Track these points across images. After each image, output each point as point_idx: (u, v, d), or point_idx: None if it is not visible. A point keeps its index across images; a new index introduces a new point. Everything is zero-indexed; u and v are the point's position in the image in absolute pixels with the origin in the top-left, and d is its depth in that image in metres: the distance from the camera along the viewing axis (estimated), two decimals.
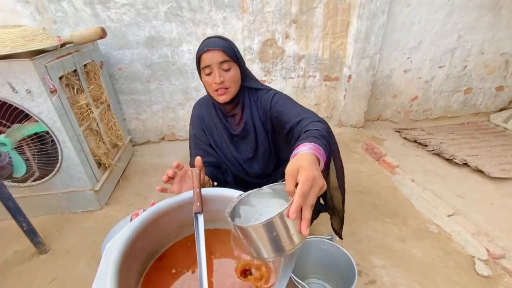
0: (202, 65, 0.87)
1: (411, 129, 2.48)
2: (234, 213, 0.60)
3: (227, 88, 0.88)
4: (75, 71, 1.43)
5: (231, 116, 1.00)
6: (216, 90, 0.88)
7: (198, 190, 0.70)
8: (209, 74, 0.87)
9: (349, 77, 2.14)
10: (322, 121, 0.77)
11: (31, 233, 1.23)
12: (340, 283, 0.97)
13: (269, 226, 0.47)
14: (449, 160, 1.96)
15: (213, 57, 0.84)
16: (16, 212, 1.16)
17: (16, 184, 1.41)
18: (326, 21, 2.01)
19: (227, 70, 0.86)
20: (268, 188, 0.62)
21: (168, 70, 1.99)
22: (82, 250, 1.29)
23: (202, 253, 0.60)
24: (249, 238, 0.50)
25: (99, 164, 1.60)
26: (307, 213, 0.47)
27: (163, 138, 2.30)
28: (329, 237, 0.98)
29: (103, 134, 1.65)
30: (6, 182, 1.36)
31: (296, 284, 0.85)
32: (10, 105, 1.22)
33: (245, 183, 1.07)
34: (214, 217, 0.77)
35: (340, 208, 0.96)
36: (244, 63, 0.93)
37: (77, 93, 1.43)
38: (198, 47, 0.89)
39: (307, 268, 1.03)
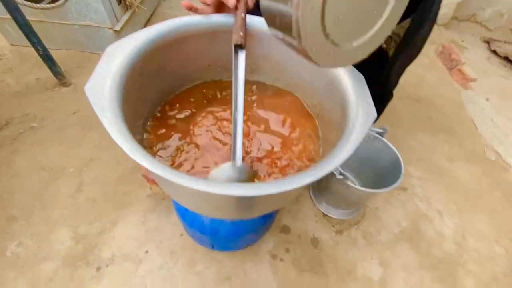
0: None
1: (505, 42, 1.90)
2: None
3: None
4: None
5: None
6: None
7: (243, 15, 0.48)
8: None
9: None
10: None
11: (48, 59, 1.13)
12: (372, 182, 0.86)
13: None
14: None
15: None
16: (26, 29, 1.02)
17: (29, 3, 1.22)
18: None
19: None
20: None
21: None
22: None
23: (239, 101, 0.43)
24: None
25: (120, 0, 1.33)
26: None
27: None
28: (381, 130, 0.80)
29: None
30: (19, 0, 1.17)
31: None
32: None
33: None
34: (254, 64, 0.57)
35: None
36: None
37: None
38: None
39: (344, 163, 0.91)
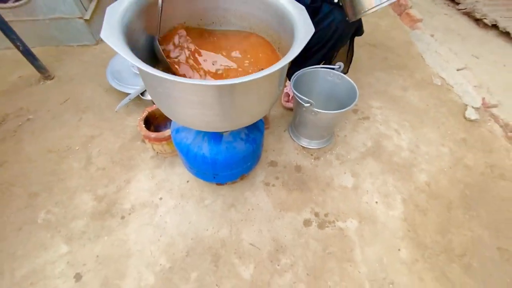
0: None
1: None
2: None
3: None
4: None
5: None
6: None
7: None
8: None
9: None
10: None
11: (29, 55, 1.19)
12: (340, 106, 1.03)
13: None
14: (477, 21, 1.75)
15: None
16: (6, 29, 1.08)
17: None
18: None
19: None
20: None
21: None
22: (87, 78, 1.31)
23: None
24: None
25: None
26: None
27: None
28: (337, 66, 0.96)
29: None
30: None
31: (299, 100, 0.89)
32: None
33: None
34: (223, 18, 0.70)
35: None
36: None
37: None
38: None
39: (312, 91, 1.07)
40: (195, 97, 0.50)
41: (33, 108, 1.19)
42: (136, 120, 1.14)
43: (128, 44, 0.48)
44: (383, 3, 0.71)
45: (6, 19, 1.24)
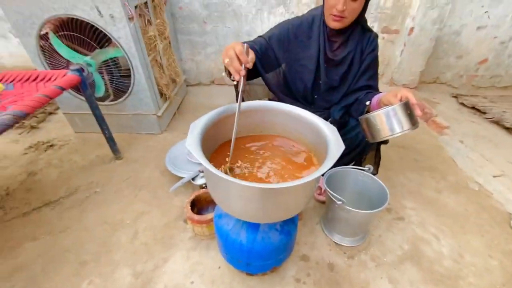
0: None
1: (471, 95, 2.29)
2: None
3: (344, 18, 0.90)
4: (145, 3, 1.56)
5: (333, 42, 1.03)
6: (334, 15, 0.90)
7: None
8: None
9: (411, 29, 1.99)
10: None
11: (111, 140, 1.51)
12: (371, 206, 1.06)
13: (392, 111, 0.78)
14: (508, 129, 1.82)
15: None
16: (101, 121, 1.42)
17: (100, 102, 1.67)
18: None
19: (354, 0, 0.87)
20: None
21: (224, 11, 2.05)
22: (148, 160, 1.56)
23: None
24: (374, 124, 0.82)
25: (161, 94, 1.80)
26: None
27: (213, 82, 2.45)
28: (367, 168, 1.06)
29: (165, 68, 1.83)
30: None
31: (331, 196, 0.97)
32: (93, 32, 1.41)
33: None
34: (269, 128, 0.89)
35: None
36: None
37: (147, 24, 1.58)
38: None
39: (343, 190, 1.14)
40: (242, 194, 0.63)
41: (101, 183, 1.41)
42: (182, 201, 1.28)
43: (202, 147, 0.66)
44: (397, 133, 0.81)
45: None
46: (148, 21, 1.59)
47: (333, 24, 0.94)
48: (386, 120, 0.80)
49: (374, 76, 1.09)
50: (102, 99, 1.70)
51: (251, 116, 0.87)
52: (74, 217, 1.23)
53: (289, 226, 0.88)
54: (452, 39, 2.12)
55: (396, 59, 2.17)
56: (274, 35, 1.03)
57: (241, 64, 0.71)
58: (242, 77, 0.72)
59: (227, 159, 0.78)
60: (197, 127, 0.71)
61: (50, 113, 2.03)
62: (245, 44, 0.75)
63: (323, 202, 1.25)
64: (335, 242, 1.09)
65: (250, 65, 0.73)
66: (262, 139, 0.90)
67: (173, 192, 1.32)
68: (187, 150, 1.43)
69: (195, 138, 0.67)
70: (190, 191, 1.32)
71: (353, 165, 1.14)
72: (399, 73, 2.21)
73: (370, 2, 0.94)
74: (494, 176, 1.37)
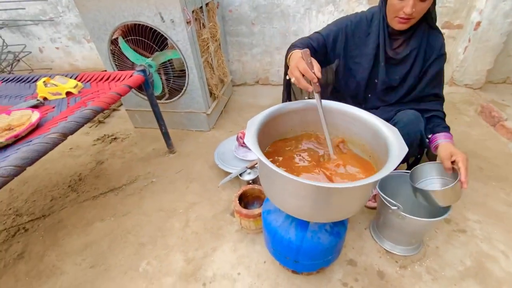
0: None
1: None
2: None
3: (411, 19, 0.86)
4: (201, 7, 1.66)
5: (394, 40, 0.98)
6: (401, 17, 0.86)
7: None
8: None
9: (478, 24, 1.79)
10: (442, 104, 1.04)
11: (166, 135, 1.64)
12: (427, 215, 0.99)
13: (447, 190, 0.82)
14: None
15: None
16: (159, 117, 1.56)
17: (159, 101, 1.83)
18: None
19: (423, 1, 0.82)
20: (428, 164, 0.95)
21: (272, 12, 2.08)
22: (198, 155, 1.66)
23: (321, 115, 0.75)
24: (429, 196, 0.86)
25: (210, 93, 1.90)
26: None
27: (258, 82, 2.50)
28: None
29: (215, 68, 1.93)
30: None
31: (385, 202, 0.92)
32: (153, 34, 1.55)
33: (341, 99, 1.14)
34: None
35: None
36: None
37: (201, 27, 1.68)
38: None
39: (397, 196, 1.08)
40: (297, 191, 0.64)
41: (157, 174, 1.54)
42: (229, 195, 1.34)
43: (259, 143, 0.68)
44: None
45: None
46: (203, 24, 1.69)
47: (399, 26, 0.89)
48: (435, 196, 0.86)
49: (442, 84, 1.01)
50: (159, 97, 1.85)
51: (303, 115, 0.87)
52: (134, 203, 1.36)
53: (339, 227, 0.86)
54: None
55: (458, 56, 1.97)
56: (331, 31, 1.02)
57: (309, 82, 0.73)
58: (316, 93, 0.73)
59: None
60: (254, 123, 0.74)
61: (114, 110, 2.28)
62: (306, 54, 0.74)
63: (374, 208, 1.20)
64: (385, 249, 1.04)
65: (315, 80, 0.71)
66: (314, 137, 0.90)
67: (221, 186, 1.38)
68: (234, 147, 1.50)
69: (253, 135, 0.70)
70: (237, 186, 1.38)
71: (410, 166, 1.08)
72: (461, 71, 2.00)
73: None
74: None
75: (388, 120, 1.02)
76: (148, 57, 1.66)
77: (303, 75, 0.73)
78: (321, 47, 1.01)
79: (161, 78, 1.75)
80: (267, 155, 0.82)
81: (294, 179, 0.58)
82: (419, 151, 1.08)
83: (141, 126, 2.00)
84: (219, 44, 2.00)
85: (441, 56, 0.96)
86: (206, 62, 1.80)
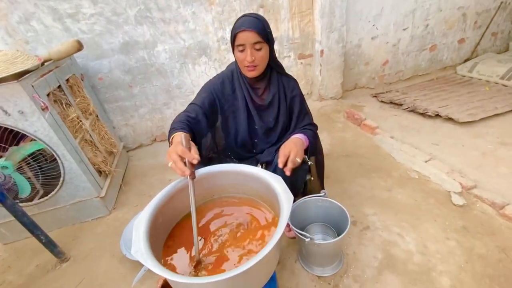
0: (236, 43, 0.96)
1: (386, 92, 2.64)
2: None
3: (256, 66, 0.98)
4: (59, 86, 1.47)
5: (257, 89, 1.10)
6: (247, 66, 0.98)
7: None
8: (242, 51, 0.96)
9: (322, 51, 2.25)
10: (314, 125, 1.15)
11: (50, 244, 1.30)
12: (338, 225, 1.10)
13: None
14: (423, 114, 2.13)
15: (247, 37, 0.93)
16: (33, 227, 1.23)
17: (23, 204, 1.46)
18: (291, 2, 2.09)
19: (259, 50, 0.96)
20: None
21: (147, 72, 2.04)
22: (101, 251, 1.38)
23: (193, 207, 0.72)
24: None
25: (100, 172, 1.66)
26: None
27: (155, 140, 2.36)
28: (322, 194, 1.11)
29: (97, 143, 1.71)
30: None
31: (298, 234, 0.97)
32: (5, 128, 1.26)
33: (237, 155, 1.20)
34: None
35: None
36: (274, 42, 1.03)
37: (65, 107, 1.48)
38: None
39: (308, 219, 1.16)
40: None
41: None
42: (149, 287, 1.15)
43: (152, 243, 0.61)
44: None
45: (30, 213, 1.43)
46: (67, 103, 1.49)
47: (250, 74, 1.01)
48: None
49: (309, 115, 1.17)
50: (30, 198, 1.49)
51: (202, 184, 0.85)
52: None
53: (269, 285, 0.85)
54: (356, 51, 2.46)
55: (317, 78, 2.41)
56: (204, 98, 1.07)
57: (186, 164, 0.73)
58: (190, 179, 0.73)
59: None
60: (141, 223, 0.66)
61: None
62: (185, 137, 0.77)
63: (294, 237, 1.26)
64: (317, 276, 1.09)
65: (195, 160, 0.74)
66: (217, 204, 0.88)
67: (139, 282, 1.18)
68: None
69: (142, 239, 0.62)
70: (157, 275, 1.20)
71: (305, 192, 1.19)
72: (324, 88, 2.44)
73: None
74: (426, 161, 1.57)
75: (271, 162, 1.12)
76: (0, 157, 1.32)
77: (181, 158, 0.72)
78: (201, 115, 1.03)
79: (27, 176, 1.42)
80: (177, 236, 0.75)
81: (191, 282, 0.53)
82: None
83: (13, 241, 1.54)
84: (96, 116, 1.81)
85: (295, 97, 1.12)
86: (83, 141, 1.58)
